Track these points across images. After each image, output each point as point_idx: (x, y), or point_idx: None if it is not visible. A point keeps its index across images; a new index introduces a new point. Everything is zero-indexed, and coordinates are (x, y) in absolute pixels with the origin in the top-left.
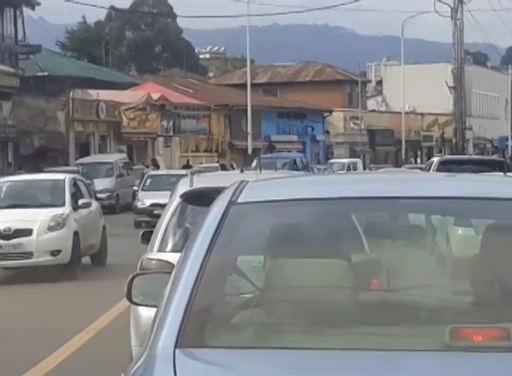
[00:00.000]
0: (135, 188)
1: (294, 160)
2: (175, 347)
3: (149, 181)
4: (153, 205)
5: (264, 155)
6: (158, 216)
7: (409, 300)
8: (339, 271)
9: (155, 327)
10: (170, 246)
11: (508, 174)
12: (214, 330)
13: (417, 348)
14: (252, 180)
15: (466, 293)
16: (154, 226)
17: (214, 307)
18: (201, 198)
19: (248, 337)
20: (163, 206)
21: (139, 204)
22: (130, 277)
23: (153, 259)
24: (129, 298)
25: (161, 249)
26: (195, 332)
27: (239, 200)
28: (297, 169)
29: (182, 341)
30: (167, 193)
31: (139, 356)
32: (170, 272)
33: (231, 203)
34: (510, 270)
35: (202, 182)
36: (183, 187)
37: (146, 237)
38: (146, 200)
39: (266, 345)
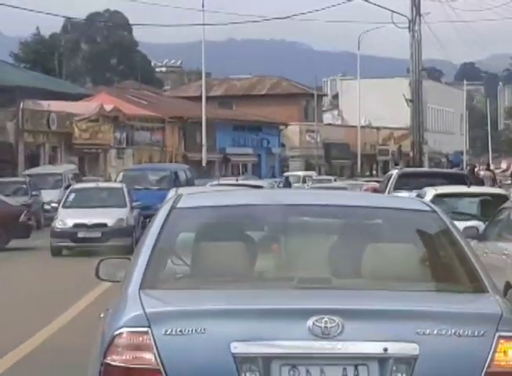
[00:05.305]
0: (54, 205)
1: (175, 173)
2: (139, 289)
3: (72, 196)
4: (76, 226)
5: (132, 166)
6: (83, 240)
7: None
8: (243, 250)
9: (126, 281)
10: None
11: (472, 187)
12: (163, 280)
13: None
14: (186, 193)
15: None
16: (78, 253)
17: (162, 271)
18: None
19: (185, 284)
20: (90, 227)
21: (58, 225)
22: (98, 261)
23: None
24: (97, 275)
25: None
26: (151, 281)
27: (178, 206)
28: (179, 185)
29: (143, 286)
30: (97, 210)
31: (117, 297)
32: (127, 258)
33: (172, 207)
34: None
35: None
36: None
37: None
38: (67, 219)
39: (196, 288)
